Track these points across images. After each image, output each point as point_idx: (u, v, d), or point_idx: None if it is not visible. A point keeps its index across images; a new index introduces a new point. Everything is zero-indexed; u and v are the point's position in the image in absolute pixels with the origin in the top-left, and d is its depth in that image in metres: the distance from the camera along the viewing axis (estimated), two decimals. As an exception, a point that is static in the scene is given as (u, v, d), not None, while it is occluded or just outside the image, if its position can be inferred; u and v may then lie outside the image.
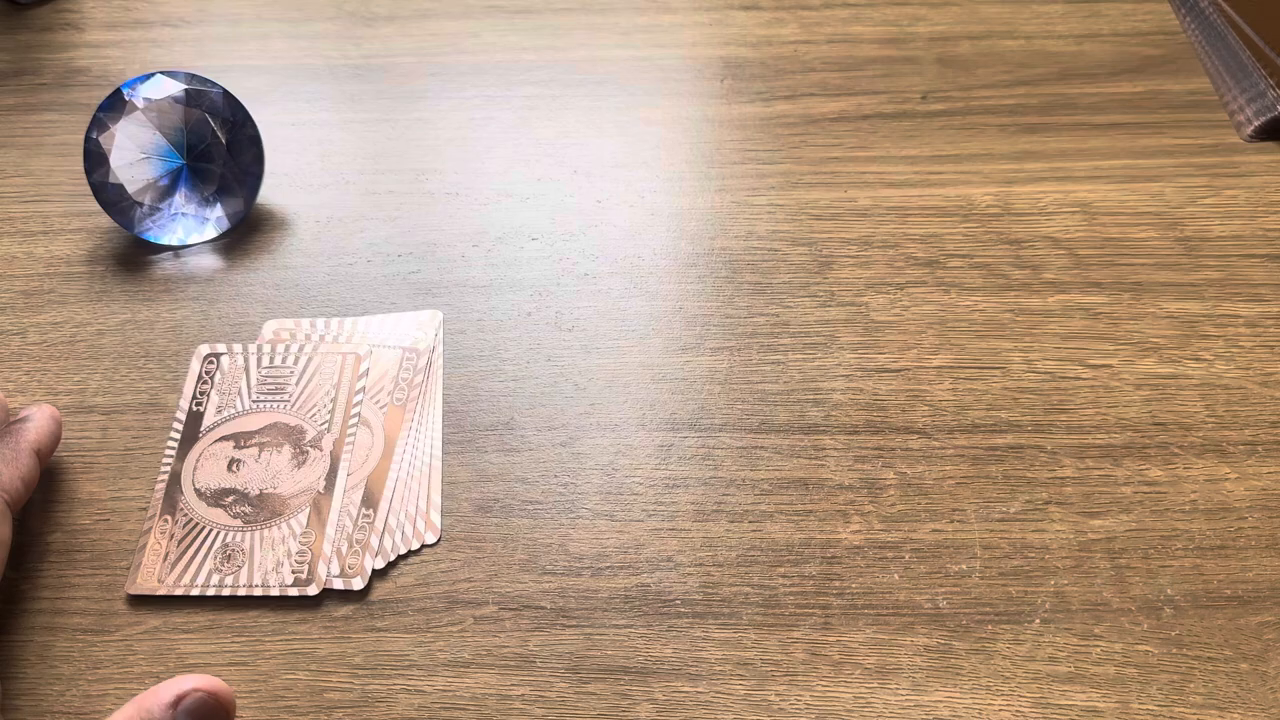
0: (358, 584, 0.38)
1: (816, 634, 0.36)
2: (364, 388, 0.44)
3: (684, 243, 0.49)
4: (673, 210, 0.50)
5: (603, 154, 0.53)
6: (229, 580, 0.38)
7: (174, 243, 0.49)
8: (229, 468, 0.41)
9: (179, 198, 0.48)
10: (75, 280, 0.48)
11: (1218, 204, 0.49)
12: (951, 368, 0.44)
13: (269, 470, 0.41)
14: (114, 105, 0.47)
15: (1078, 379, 0.43)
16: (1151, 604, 0.37)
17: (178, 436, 0.42)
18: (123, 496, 0.41)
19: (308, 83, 0.58)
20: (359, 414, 0.43)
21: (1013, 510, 0.39)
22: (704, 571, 0.38)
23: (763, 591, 0.38)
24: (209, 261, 0.49)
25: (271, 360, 0.45)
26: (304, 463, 0.41)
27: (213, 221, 0.49)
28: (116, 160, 0.47)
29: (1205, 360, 0.44)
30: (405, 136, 0.55)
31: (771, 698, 0.35)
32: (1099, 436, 0.41)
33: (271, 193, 0.52)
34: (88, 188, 0.50)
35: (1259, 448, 0.41)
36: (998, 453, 0.41)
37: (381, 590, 0.38)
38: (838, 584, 0.38)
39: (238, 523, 0.40)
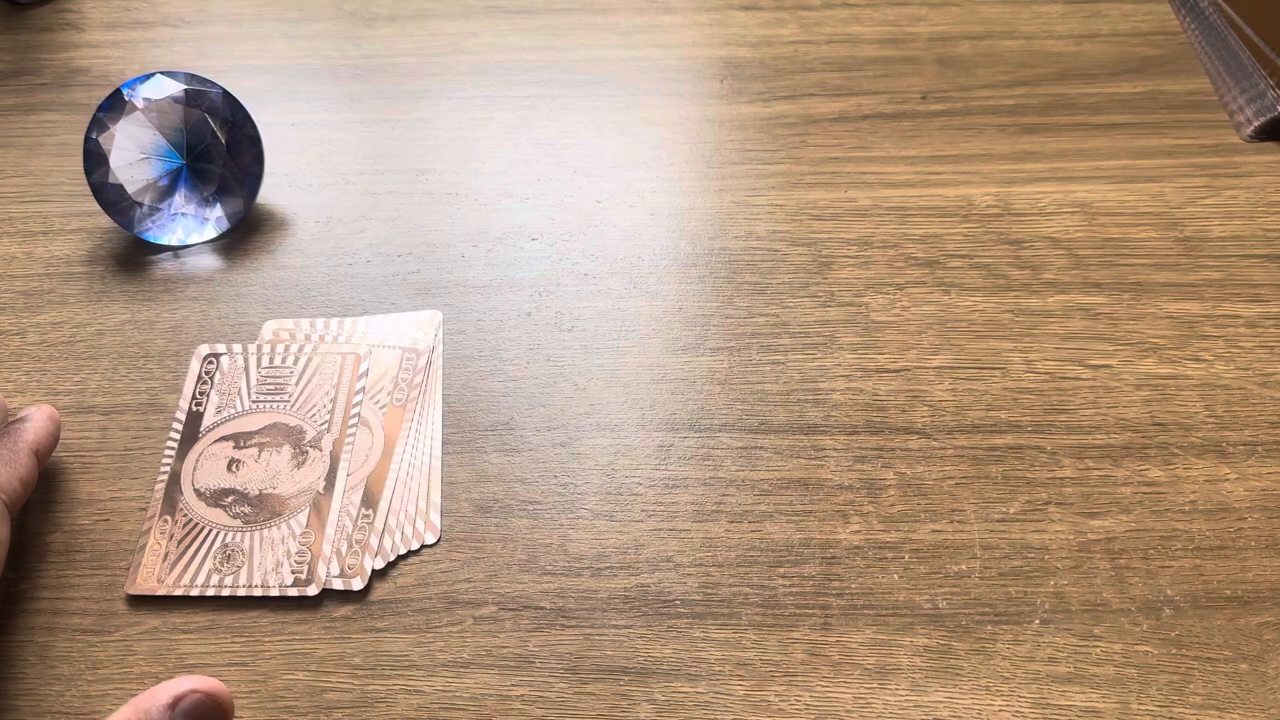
0: (357, 584, 0.38)
1: (816, 634, 0.36)
2: (364, 388, 0.44)
3: (684, 243, 0.49)
4: (672, 210, 0.50)
5: (602, 154, 0.53)
6: (229, 580, 0.38)
7: (174, 243, 0.49)
8: (229, 468, 0.41)
9: (179, 198, 0.48)
10: (75, 280, 0.48)
11: (1218, 204, 0.49)
12: (951, 368, 0.44)
13: (269, 470, 0.41)
14: (114, 105, 0.47)
15: (1077, 379, 0.43)
16: (1151, 604, 0.37)
17: (177, 437, 0.42)
18: (122, 497, 0.41)
19: (307, 83, 0.58)
20: (359, 414, 0.43)
21: (1012, 511, 0.39)
22: (703, 572, 0.38)
23: (762, 592, 0.38)
24: (209, 261, 0.49)
25: (271, 360, 0.45)
26: (304, 463, 0.41)
27: (212, 222, 0.49)
28: (116, 160, 0.47)
29: (1205, 361, 0.44)
30: (405, 136, 0.55)
31: (771, 698, 0.35)
32: (1099, 437, 0.41)
33: (271, 193, 0.52)
34: (87, 188, 0.50)
35: (1259, 448, 0.41)
36: (997, 453, 0.41)
37: (381, 590, 0.38)
38: (837, 584, 0.38)
39: (237, 523, 0.40)
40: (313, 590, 0.38)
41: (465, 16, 0.62)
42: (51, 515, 0.40)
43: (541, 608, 0.37)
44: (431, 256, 0.49)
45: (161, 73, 0.48)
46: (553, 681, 0.36)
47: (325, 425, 0.42)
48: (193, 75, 0.48)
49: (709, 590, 0.38)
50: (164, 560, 0.39)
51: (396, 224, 0.50)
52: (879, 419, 0.42)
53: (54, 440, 0.40)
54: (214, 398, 0.43)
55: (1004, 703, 0.35)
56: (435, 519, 0.40)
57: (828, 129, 0.54)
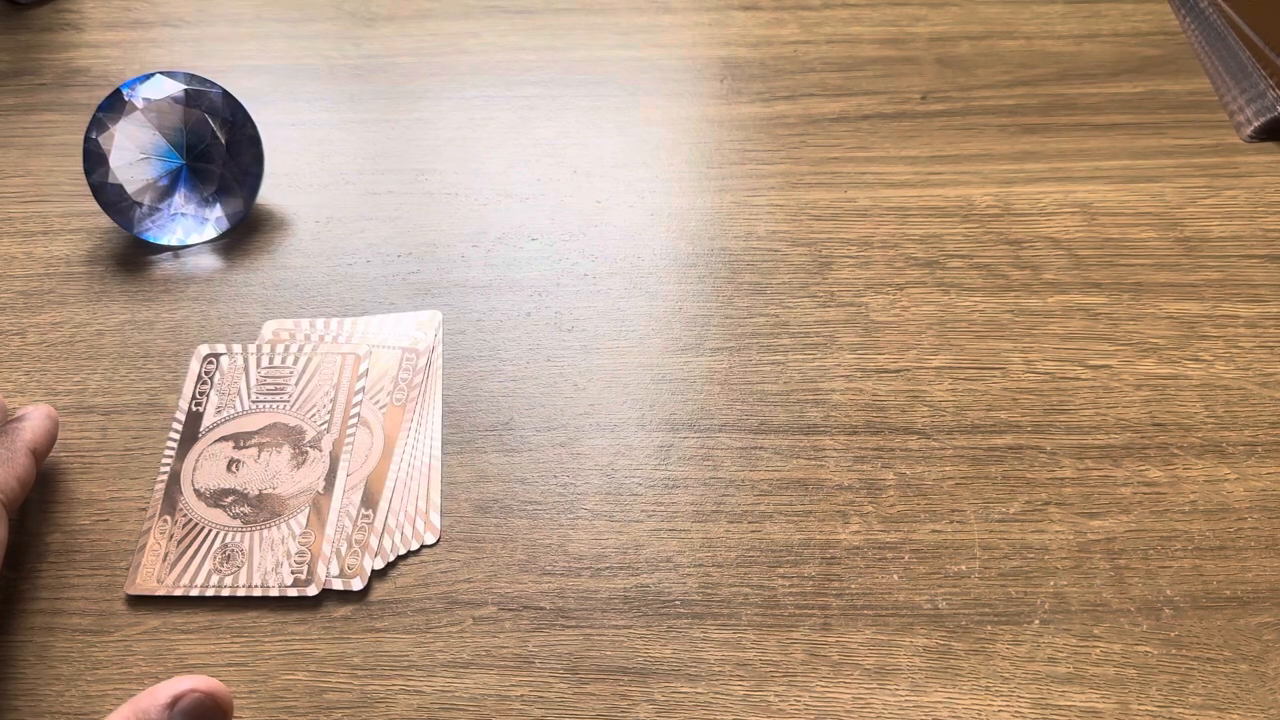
0: (357, 584, 0.38)
1: (816, 635, 0.36)
2: (364, 388, 0.44)
3: (683, 243, 0.49)
4: (672, 210, 0.50)
5: (602, 154, 0.53)
6: (228, 581, 0.38)
7: (173, 243, 0.49)
8: (228, 468, 0.41)
9: (178, 198, 0.48)
10: (75, 280, 0.48)
11: (1218, 204, 0.49)
12: (951, 368, 0.44)
13: (268, 470, 0.41)
14: (114, 105, 0.47)
15: (1077, 379, 0.43)
16: (1151, 605, 0.37)
17: (177, 437, 0.42)
18: (122, 497, 0.41)
19: (307, 83, 0.58)
20: (358, 414, 0.43)
21: (1012, 511, 0.39)
22: (703, 572, 0.38)
23: (762, 592, 0.38)
24: (208, 262, 0.49)
25: (271, 360, 0.45)
26: (303, 463, 0.41)
27: (212, 222, 0.49)
28: (116, 160, 0.47)
29: (1205, 361, 0.44)
30: (405, 136, 0.55)
31: (770, 698, 0.35)
32: (1098, 437, 0.41)
33: (271, 193, 0.52)
34: (87, 188, 0.50)
35: (1259, 448, 0.41)
36: (997, 453, 0.41)
37: (381, 591, 0.38)
38: (837, 584, 0.38)
39: (237, 523, 0.40)
40: (312, 590, 0.38)
41: (465, 16, 0.62)
42: (51, 515, 0.40)
43: (541, 608, 0.37)
44: (431, 256, 0.49)
45: (161, 73, 0.48)
46: (552, 682, 0.36)
47: (325, 425, 0.42)
48: (192, 75, 0.48)
49: (709, 590, 0.38)
50: (164, 560, 0.39)
51: (396, 224, 0.50)
52: (879, 419, 0.42)
53: (52, 439, 0.40)
54: (214, 398, 0.43)
55: (1004, 703, 0.35)
56: (435, 519, 0.40)
57: (827, 129, 0.54)
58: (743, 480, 0.41)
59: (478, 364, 0.45)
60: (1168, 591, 0.37)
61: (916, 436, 0.42)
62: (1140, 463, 0.41)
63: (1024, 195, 0.50)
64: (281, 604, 0.38)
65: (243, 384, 0.44)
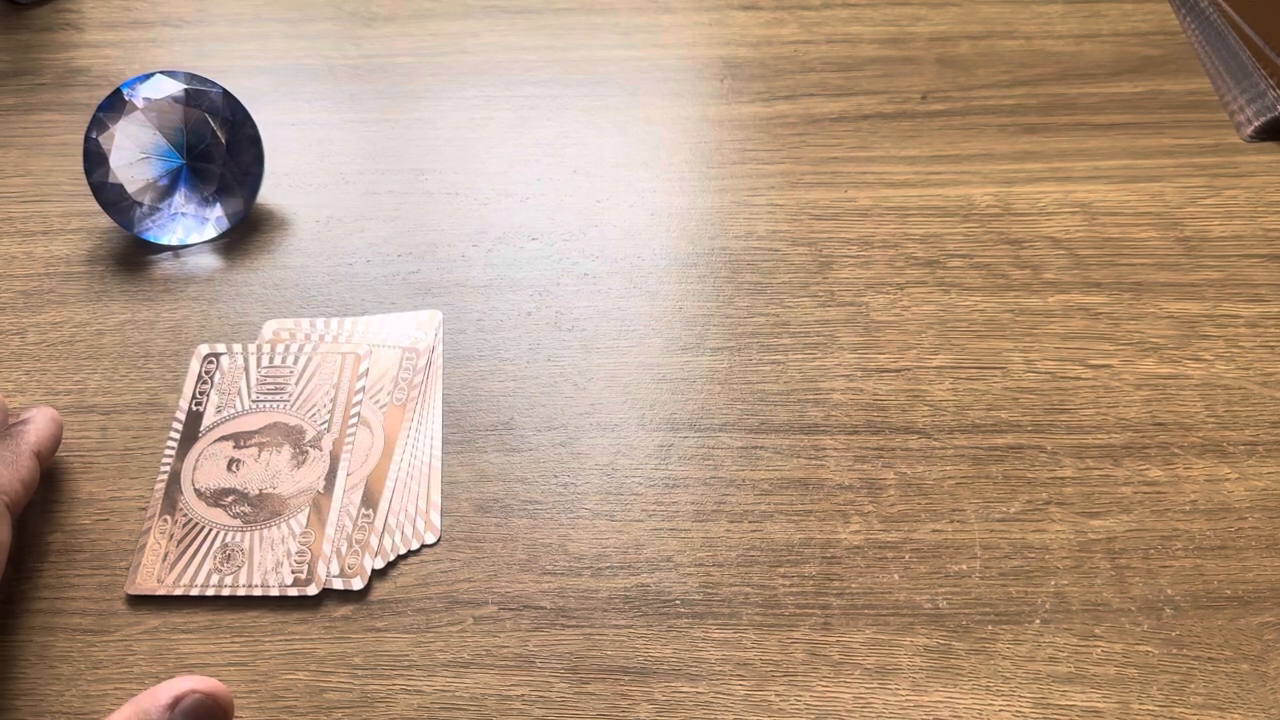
0: (357, 584, 0.38)
1: (816, 634, 0.36)
2: (364, 388, 0.44)
3: (684, 243, 0.49)
4: (672, 210, 0.50)
5: (602, 154, 0.53)
6: (228, 580, 0.38)
7: (174, 243, 0.49)
8: (229, 468, 0.41)
9: (179, 197, 0.48)
10: (75, 280, 0.48)
11: (1218, 204, 0.49)
12: (951, 368, 0.44)
13: (268, 470, 0.41)
14: (114, 105, 0.47)
15: (1078, 379, 0.43)
16: (1152, 604, 0.37)
17: (177, 437, 0.42)
18: (122, 496, 0.41)
19: (307, 83, 0.58)
20: (359, 414, 0.43)
21: (1013, 510, 0.39)
22: (704, 572, 0.38)
23: (762, 592, 0.38)
24: (209, 261, 0.49)
25: (271, 360, 0.44)
26: (304, 462, 0.41)
27: (212, 221, 0.49)
28: (116, 160, 0.47)
29: (1205, 360, 0.44)
30: (405, 136, 0.55)
31: (771, 698, 0.35)
32: (1099, 437, 0.41)
33: (271, 193, 0.52)
34: (87, 188, 0.50)
35: (1259, 448, 0.41)
36: (998, 453, 0.41)
37: (381, 590, 0.38)
38: (837, 584, 0.38)
39: (237, 523, 0.40)
40: (313, 590, 0.38)
41: (465, 16, 0.62)
42: (52, 515, 0.40)
43: (541, 607, 0.37)
44: (431, 256, 0.49)
45: (161, 72, 0.48)
46: (553, 681, 0.36)
47: (325, 425, 0.42)
48: (193, 75, 0.48)
49: (709, 590, 0.38)
50: (164, 560, 0.39)
51: (396, 224, 0.50)
52: (879, 419, 0.42)
53: (56, 442, 0.40)
54: (214, 397, 0.43)
55: (1005, 703, 0.35)
56: (435, 519, 0.40)
57: (828, 129, 0.54)
58: (743, 480, 0.41)
59: (478, 364, 0.45)
60: (1169, 591, 0.37)
61: (917, 436, 0.42)
62: (1141, 462, 0.41)
63: (1024, 195, 0.50)
64: (282, 603, 0.38)
65: (243, 384, 0.44)
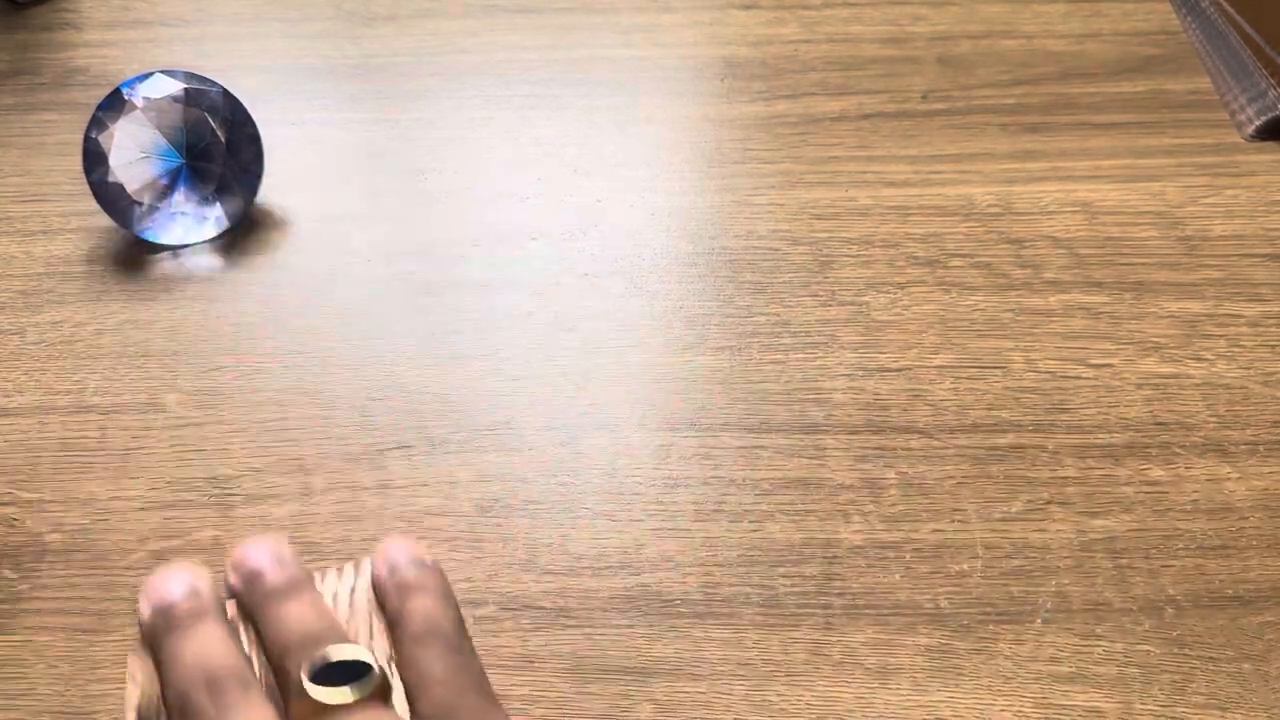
0: (357, 584, 0.38)
1: (817, 634, 0.36)
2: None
3: (684, 242, 0.49)
4: (673, 210, 0.50)
5: (602, 153, 0.53)
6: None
7: (173, 242, 0.49)
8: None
9: (178, 197, 0.48)
10: (74, 280, 0.48)
11: (1219, 203, 0.49)
12: (952, 367, 0.44)
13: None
14: (113, 104, 0.47)
15: (1079, 378, 0.43)
16: (1153, 604, 0.37)
17: (177, 436, 0.42)
18: (122, 496, 0.41)
19: (307, 82, 0.58)
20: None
21: (1014, 510, 0.39)
22: (704, 571, 0.38)
23: (763, 591, 0.38)
24: (208, 261, 0.49)
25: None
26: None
27: (212, 221, 0.49)
28: (116, 159, 0.47)
29: (1207, 360, 0.44)
30: (405, 136, 0.55)
31: (772, 698, 0.35)
32: (1100, 436, 0.41)
33: (271, 192, 0.52)
34: (86, 187, 0.50)
35: (1260, 447, 0.41)
36: (999, 452, 0.41)
37: (381, 590, 0.38)
38: (839, 584, 0.38)
39: (237, 523, 0.40)
40: (313, 590, 0.38)
41: (465, 16, 0.61)
42: (52, 515, 0.40)
43: (542, 607, 0.37)
44: (432, 256, 0.49)
45: (161, 71, 0.48)
46: (553, 681, 0.36)
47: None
48: (192, 74, 0.48)
49: (710, 590, 0.38)
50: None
51: (396, 223, 0.50)
52: (880, 418, 0.42)
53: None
54: None
55: (1006, 702, 0.35)
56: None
57: (828, 128, 0.54)
58: (744, 479, 0.41)
59: (478, 363, 0.45)
60: (1170, 591, 0.37)
61: (918, 435, 0.42)
62: (1142, 462, 0.40)
63: (1025, 194, 0.50)
64: (282, 604, 0.38)
65: None
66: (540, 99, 0.56)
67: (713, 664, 0.36)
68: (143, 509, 0.40)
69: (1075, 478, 0.40)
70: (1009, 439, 0.41)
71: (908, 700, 0.35)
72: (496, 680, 0.36)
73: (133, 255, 0.49)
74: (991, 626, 0.36)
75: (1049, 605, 0.37)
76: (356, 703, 0.24)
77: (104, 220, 0.50)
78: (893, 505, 0.40)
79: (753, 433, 0.42)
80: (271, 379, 0.44)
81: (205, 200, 0.49)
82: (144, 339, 0.46)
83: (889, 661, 0.36)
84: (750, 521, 0.39)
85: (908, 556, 0.38)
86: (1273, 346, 0.44)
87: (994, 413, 0.42)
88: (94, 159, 0.47)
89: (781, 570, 0.38)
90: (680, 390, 0.43)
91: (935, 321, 0.45)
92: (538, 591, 0.38)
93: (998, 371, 0.43)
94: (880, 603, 0.37)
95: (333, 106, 0.56)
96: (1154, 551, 0.38)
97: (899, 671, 0.35)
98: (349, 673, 0.25)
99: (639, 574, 0.38)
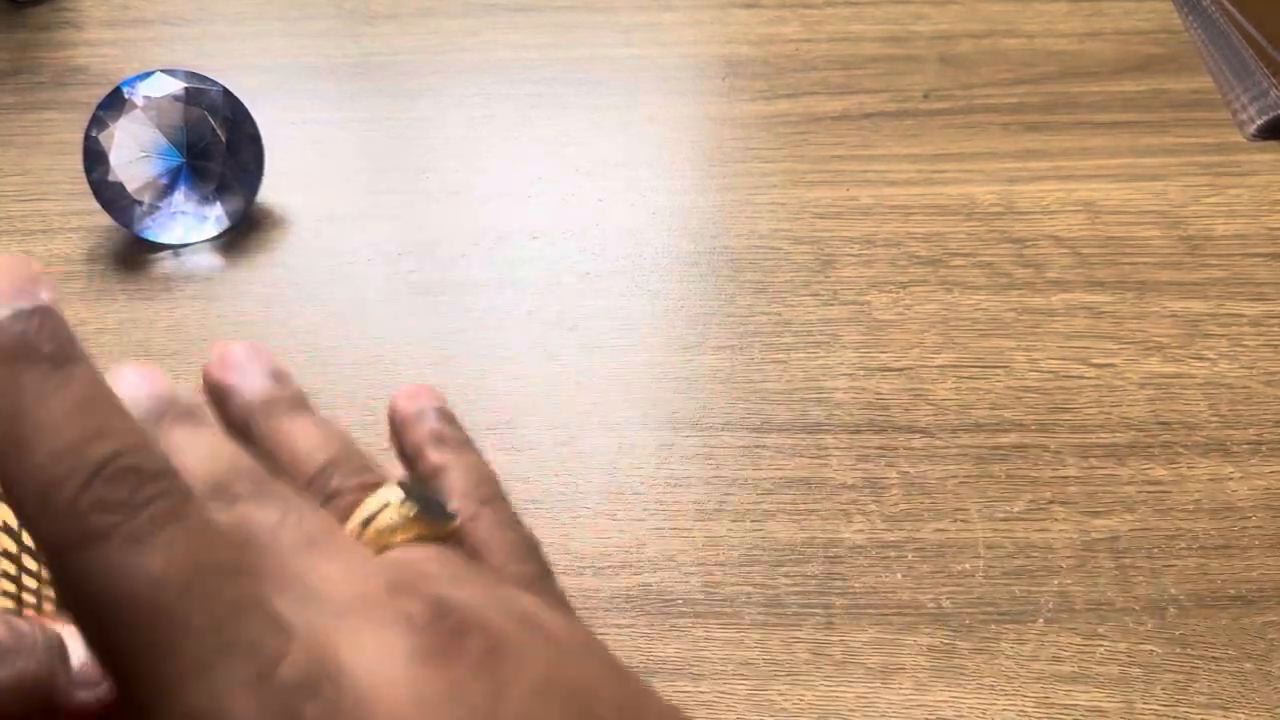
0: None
1: (819, 633, 0.36)
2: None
3: (685, 241, 0.49)
4: (674, 209, 0.50)
5: (604, 153, 0.53)
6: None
7: (174, 241, 0.49)
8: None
9: (179, 196, 0.48)
10: (74, 279, 0.48)
11: (1221, 203, 0.49)
12: (954, 367, 0.44)
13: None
14: (114, 103, 0.47)
15: (1081, 378, 0.43)
16: (1155, 603, 0.37)
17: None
18: (122, 496, 0.41)
19: (308, 81, 0.58)
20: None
21: (1016, 509, 0.39)
22: (706, 571, 0.38)
23: (765, 591, 0.37)
24: (209, 260, 0.49)
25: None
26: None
27: (212, 220, 0.49)
28: (116, 158, 0.47)
29: (1209, 359, 0.44)
30: (406, 135, 0.55)
31: (774, 697, 0.35)
32: (1103, 435, 0.41)
33: (271, 192, 0.52)
34: (87, 186, 0.49)
35: (1263, 447, 0.41)
36: (1001, 452, 0.41)
37: (382, 590, 0.38)
38: (840, 583, 0.38)
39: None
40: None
41: (466, 14, 0.61)
42: (51, 514, 0.40)
43: (543, 607, 0.37)
44: (432, 255, 0.49)
45: (161, 71, 0.48)
46: (555, 681, 0.36)
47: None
48: (193, 73, 0.48)
49: (711, 589, 0.38)
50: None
51: (397, 223, 0.50)
52: (882, 418, 0.42)
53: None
54: None
55: (1008, 702, 0.35)
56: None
57: (830, 127, 0.54)
58: (745, 479, 0.40)
59: (478, 363, 0.45)
60: (1172, 590, 0.37)
61: (920, 435, 0.41)
62: (1144, 461, 0.40)
63: (1027, 193, 0.50)
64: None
65: None
66: (541, 98, 0.56)
67: (714, 663, 0.36)
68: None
69: (1077, 477, 0.40)
70: (1011, 438, 0.41)
71: (910, 700, 0.35)
72: (497, 680, 0.36)
73: (133, 254, 0.49)
74: (994, 626, 0.36)
75: (1051, 605, 0.37)
76: (435, 538, 0.19)
77: (104, 219, 0.50)
78: (895, 505, 0.39)
79: (754, 432, 0.42)
80: (272, 378, 0.44)
81: (205, 199, 0.49)
82: (144, 338, 0.46)
83: (891, 661, 0.36)
84: (752, 521, 0.39)
85: (910, 556, 0.38)
86: (1275, 346, 0.44)
87: (996, 412, 0.42)
88: (94, 158, 0.47)
89: (783, 570, 0.38)
90: (682, 389, 0.43)
91: (937, 321, 0.45)
92: (539, 591, 0.38)
93: (1000, 371, 0.43)
94: (882, 602, 0.37)
95: (333, 105, 0.56)
96: (1156, 551, 0.38)
97: (901, 671, 0.35)
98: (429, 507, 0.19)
99: (640, 573, 0.38)
